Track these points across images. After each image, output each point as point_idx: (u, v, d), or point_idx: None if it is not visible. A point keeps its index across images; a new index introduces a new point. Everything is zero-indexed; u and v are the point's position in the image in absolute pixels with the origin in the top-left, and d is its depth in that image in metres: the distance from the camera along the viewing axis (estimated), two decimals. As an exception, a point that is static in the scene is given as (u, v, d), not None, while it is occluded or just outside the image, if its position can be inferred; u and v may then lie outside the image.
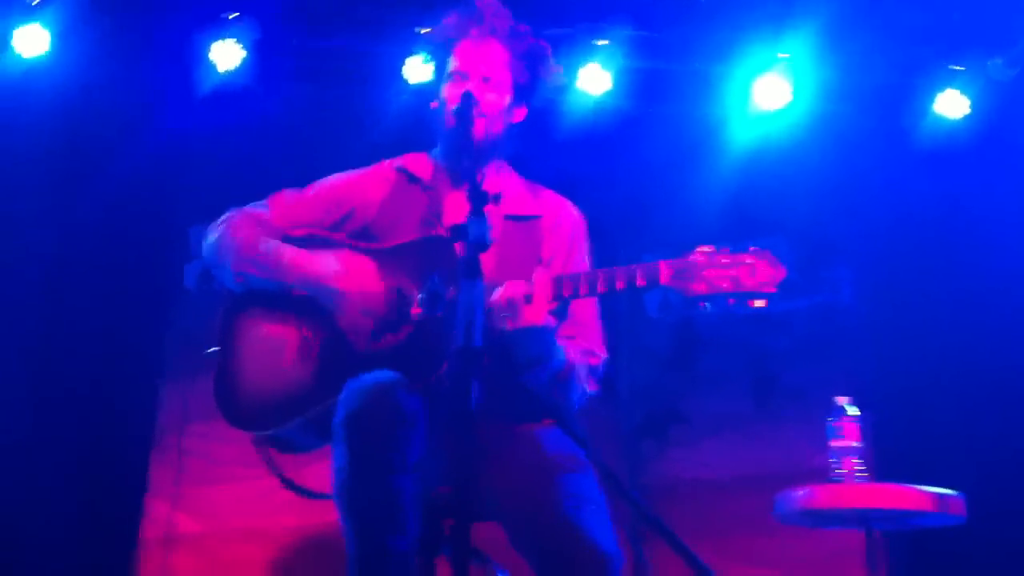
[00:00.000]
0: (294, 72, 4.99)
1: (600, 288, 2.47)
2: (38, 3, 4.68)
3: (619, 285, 2.45)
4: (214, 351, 2.78)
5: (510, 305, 2.43)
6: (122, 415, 4.70)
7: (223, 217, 2.88)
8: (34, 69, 4.78)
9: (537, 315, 2.43)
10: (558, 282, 2.49)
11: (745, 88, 4.98)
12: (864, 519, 3.59)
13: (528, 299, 2.44)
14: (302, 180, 2.97)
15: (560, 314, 2.57)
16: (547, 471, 2.49)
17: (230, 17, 4.77)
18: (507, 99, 2.79)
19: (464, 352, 2.06)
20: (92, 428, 4.64)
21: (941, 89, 5.01)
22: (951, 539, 3.92)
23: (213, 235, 2.84)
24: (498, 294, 2.45)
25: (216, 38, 4.79)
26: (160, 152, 4.90)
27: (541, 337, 2.50)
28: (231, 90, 4.93)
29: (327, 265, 2.65)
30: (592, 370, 2.72)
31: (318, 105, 5.05)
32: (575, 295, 2.50)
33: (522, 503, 2.47)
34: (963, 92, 4.99)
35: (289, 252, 2.71)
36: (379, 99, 4.92)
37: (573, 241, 2.86)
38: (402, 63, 4.84)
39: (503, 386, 2.57)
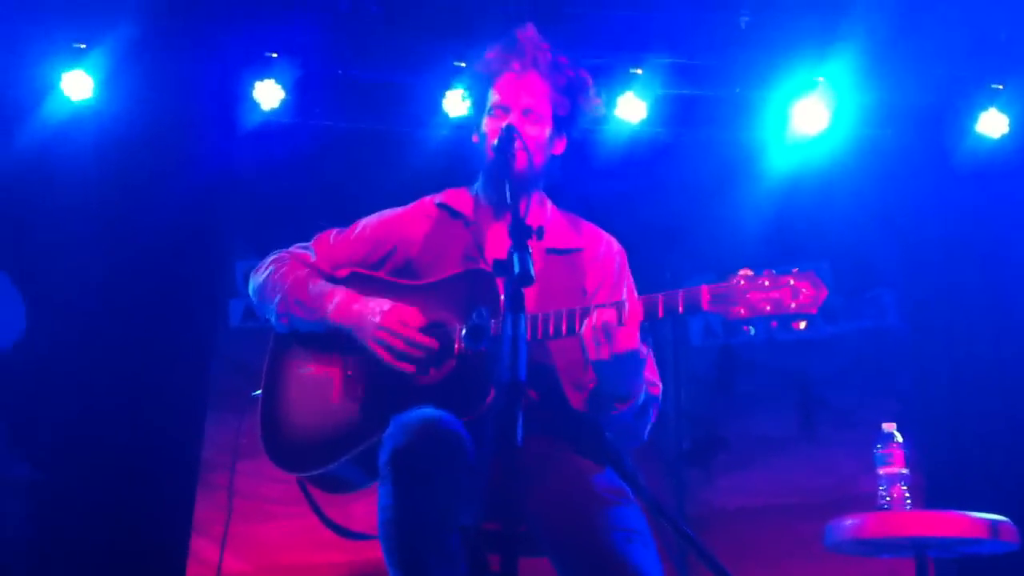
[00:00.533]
0: (335, 108, 5.06)
1: (660, 312, 2.44)
2: (85, 48, 4.78)
3: (661, 312, 2.44)
4: (258, 394, 2.80)
5: (604, 330, 2.41)
6: (167, 452, 4.74)
7: (269, 258, 2.90)
8: (81, 112, 4.89)
9: (631, 339, 2.41)
10: (641, 304, 2.45)
11: (784, 112, 4.98)
12: (916, 547, 3.54)
13: (620, 322, 2.41)
14: (345, 214, 2.99)
15: (646, 339, 2.54)
16: (596, 505, 2.48)
17: (271, 56, 4.84)
18: (548, 132, 2.79)
19: (510, 386, 2.06)
20: (137, 464, 4.69)
21: (984, 108, 4.97)
22: (1002, 565, 3.85)
23: (260, 276, 2.87)
24: (589, 322, 2.43)
25: (259, 77, 4.86)
26: (206, 189, 4.99)
27: (636, 364, 2.47)
28: (275, 127, 5.01)
29: (372, 305, 2.67)
30: (654, 400, 2.70)
31: (359, 140, 5.12)
32: (651, 318, 2.44)
33: (571, 537, 2.45)
34: (1002, 110, 4.96)
35: (337, 294, 2.73)
36: (420, 133, 4.97)
37: (619, 273, 2.86)
38: (442, 96, 4.89)
39: (558, 419, 2.57)
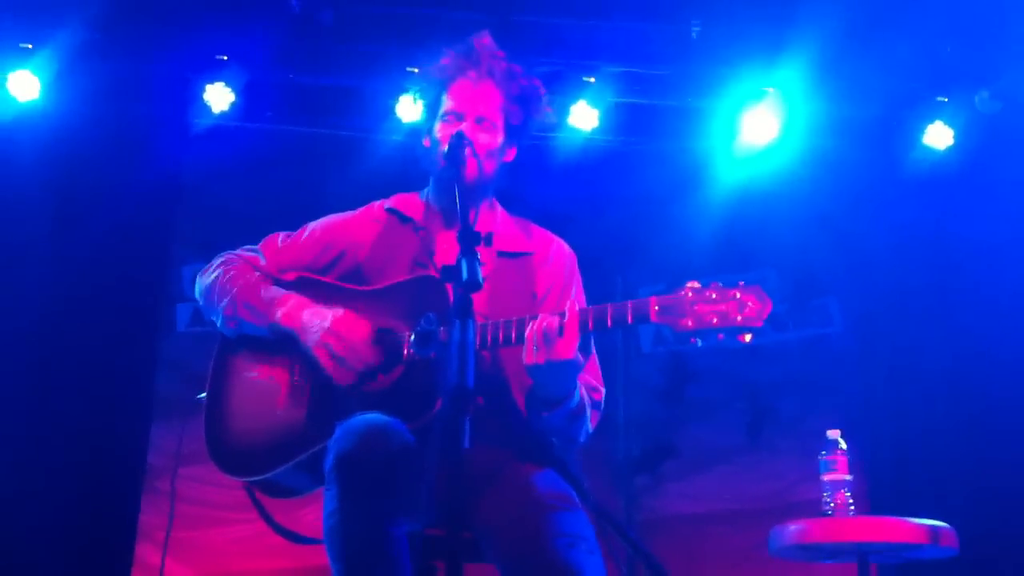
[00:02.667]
0: (286, 111, 5.03)
1: (590, 325, 2.47)
2: (31, 48, 4.72)
3: (609, 322, 2.46)
4: (203, 397, 2.78)
5: (545, 337, 2.43)
6: (113, 457, 4.68)
7: (217, 261, 2.87)
8: (27, 113, 4.82)
9: (568, 348, 2.43)
10: (584, 315, 2.48)
11: (734, 122, 5.04)
12: (858, 552, 3.59)
13: (561, 332, 2.44)
14: (294, 219, 2.98)
15: (584, 349, 2.56)
16: (539, 510, 2.48)
17: (221, 60, 4.81)
18: (499, 140, 2.80)
19: (457, 392, 2.06)
20: (82, 470, 4.62)
21: (930, 121, 5.06)
22: (943, 571, 3.92)
23: (208, 277, 2.84)
24: (532, 327, 2.46)
25: (209, 80, 4.82)
26: (154, 192, 4.94)
27: (571, 371, 2.50)
28: (224, 131, 4.97)
29: (324, 312, 2.65)
30: (595, 405, 2.73)
31: (310, 144, 5.09)
32: (600, 328, 2.48)
33: (515, 543, 2.46)
34: (947, 123, 5.06)
35: (289, 300, 2.71)
36: (371, 138, 4.96)
37: (568, 277, 2.88)
38: (394, 102, 4.88)
39: (505, 425, 2.58)
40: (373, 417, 2.42)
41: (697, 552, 4.69)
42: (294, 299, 2.71)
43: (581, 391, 2.64)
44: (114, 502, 4.65)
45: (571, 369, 2.48)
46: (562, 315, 2.45)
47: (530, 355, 2.44)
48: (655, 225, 5.18)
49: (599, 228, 5.12)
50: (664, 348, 5.26)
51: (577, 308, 2.46)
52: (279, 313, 2.68)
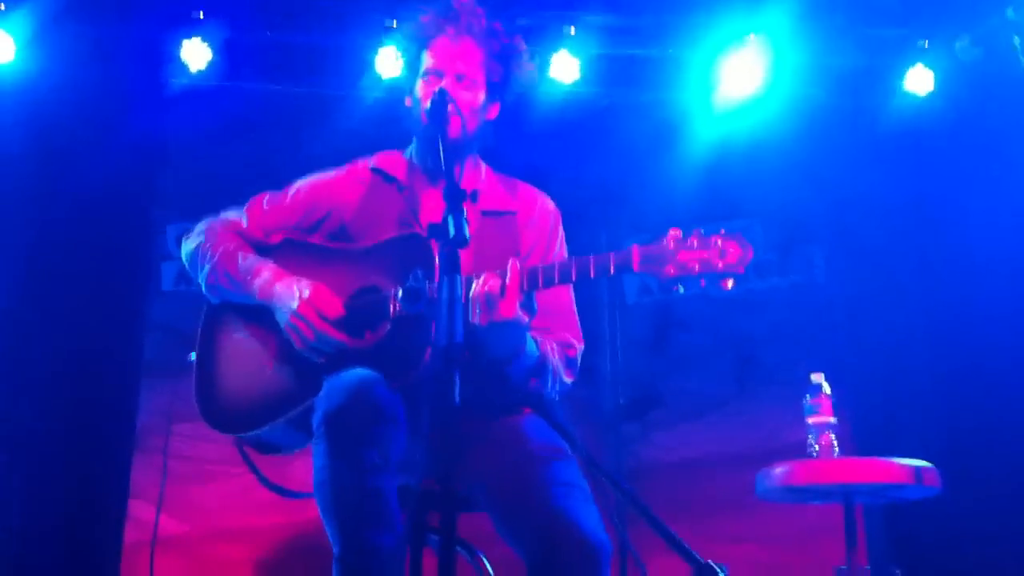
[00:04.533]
0: (265, 69, 4.98)
1: (573, 276, 2.50)
2: (4, 9, 4.65)
3: (592, 272, 2.49)
4: (193, 358, 2.80)
5: (487, 299, 2.46)
6: (103, 417, 4.68)
7: (201, 225, 2.89)
8: (2, 74, 4.76)
9: (509, 309, 2.46)
10: (532, 272, 2.52)
11: (716, 72, 5.02)
12: (842, 493, 3.66)
13: (502, 292, 2.47)
14: (276, 176, 2.98)
15: (528, 308, 2.59)
16: (533, 460, 2.53)
17: (197, 17, 4.75)
18: (481, 97, 2.81)
19: (447, 347, 2.08)
20: (72, 432, 4.63)
21: (911, 65, 5.05)
22: (925, 508, 4.00)
23: (191, 243, 2.86)
24: (476, 289, 2.48)
25: (185, 37, 4.77)
26: (134, 152, 4.89)
27: (514, 331, 2.53)
28: (203, 88, 4.92)
29: (293, 289, 2.65)
30: (569, 361, 2.76)
31: (290, 102, 5.05)
32: (549, 284, 2.53)
33: (510, 492, 2.51)
34: (928, 66, 5.05)
35: (264, 271, 2.72)
36: (351, 94, 4.93)
37: (551, 234, 2.90)
38: (373, 56, 4.85)
39: (484, 379, 2.60)
40: (359, 372, 2.46)
41: (685, 497, 4.75)
42: (267, 270, 2.72)
43: (545, 348, 2.67)
44: (105, 460, 4.66)
45: (513, 328, 2.51)
46: (503, 274, 2.47)
47: (472, 315, 2.47)
48: (639, 177, 5.19)
49: (582, 181, 5.13)
50: (649, 298, 5.30)
51: (518, 268, 2.49)
52: (254, 286, 2.71)
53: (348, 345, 2.59)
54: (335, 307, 2.62)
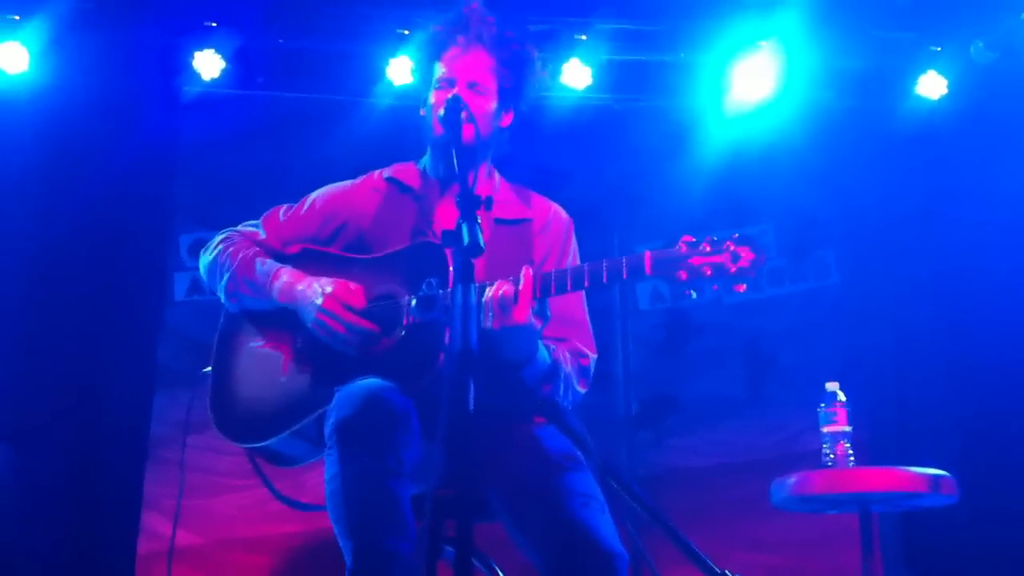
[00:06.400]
0: (277, 77, 4.99)
1: (586, 281, 2.50)
2: (19, 20, 4.68)
3: (605, 278, 2.49)
4: (208, 370, 2.81)
5: (500, 304, 2.46)
6: (116, 428, 4.69)
7: (217, 237, 2.91)
8: (17, 85, 4.79)
9: (522, 314, 2.46)
10: (545, 278, 2.52)
11: (728, 76, 5.02)
12: (858, 502, 3.64)
13: (516, 298, 2.46)
14: (289, 184, 3.00)
15: (541, 314, 2.59)
16: (550, 470, 2.52)
17: (210, 26, 4.77)
18: (494, 104, 2.82)
19: (461, 354, 2.08)
20: (85, 443, 4.64)
21: (923, 70, 5.04)
22: (941, 515, 3.98)
23: (209, 255, 2.88)
24: (489, 294, 2.48)
25: (198, 47, 4.79)
26: (147, 162, 4.91)
27: (526, 336, 2.53)
28: (216, 98, 4.94)
29: (315, 287, 2.67)
30: (582, 370, 2.75)
31: (302, 109, 5.06)
32: (562, 290, 2.52)
33: (526, 501, 2.50)
34: (941, 73, 5.04)
35: (283, 274, 2.74)
36: (364, 102, 4.94)
37: (565, 243, 2.90)
38: (386, 64, 4.85)
39: (497, 385, 2.59)
40: (371, 381, 2.46)
41: (701, 505, 4.73)
42: (286, 273, 2.74)
43: (558, 355, 2.67)
44: (118, 471, 4.67)
45: (526, 333, 2.51)
46: (516, 281, 2.47)
47: (486, 320, 2.47)
48: (651, 183, 5.18)
49: (595, 187, 5.13)
50: (661, 305, 5.28)
51: (532, 274, 2.49)
52: (274, 289, 2.72)
53: (377, 333, 2.59)
54: (359, 299, 2.64)
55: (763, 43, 4.92)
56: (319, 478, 2.46)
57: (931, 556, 4.61)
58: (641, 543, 2.61)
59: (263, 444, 2.69)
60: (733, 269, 2.40)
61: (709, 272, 2.41)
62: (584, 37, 4.91)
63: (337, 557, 2.42)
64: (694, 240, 2.45)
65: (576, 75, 4.94)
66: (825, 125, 5.11)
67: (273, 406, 2.68)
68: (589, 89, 5.02)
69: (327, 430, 2.43)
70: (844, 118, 5.14)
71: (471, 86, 2.77)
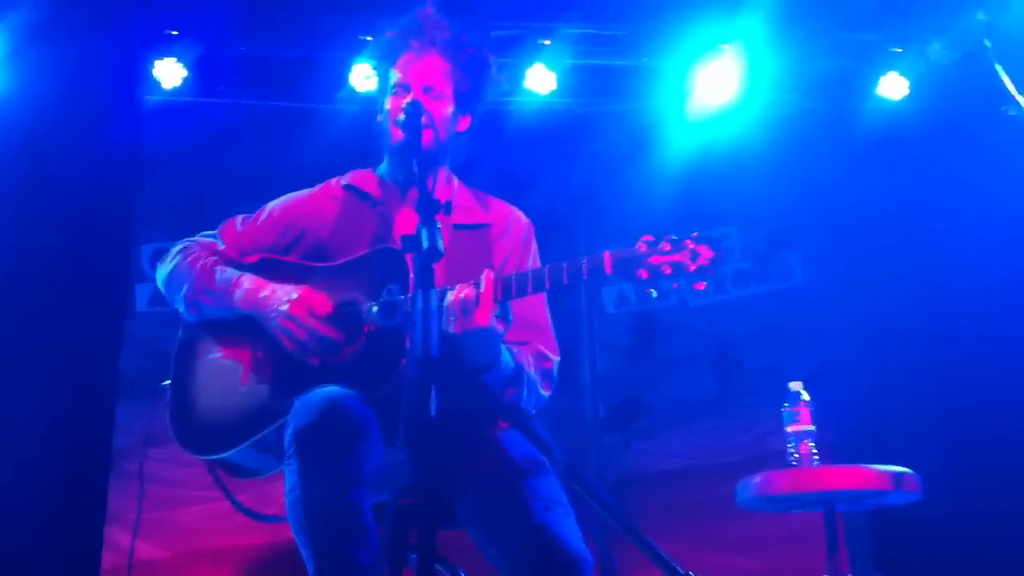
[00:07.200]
0: (239, 85, 4.97)
1: (547, 283, 2.50)
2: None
3: (566, 278, 2.49)
4: (168, 383, 2.78)
5: (462, 307, 2.45)
6: (78, 441, 4.63)
7: (175, 248, 2.88)
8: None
9: (483, 317, 2.46)
10: (506, 281, 2.51)
11: (691, 80, 5.03)
12: (822, 501, 3.66)
13: (477, 301, 2.46)
14: (251, 192, 2.97)
15: (504, 317, 2.59)
16: (514, 476, 2.52)
17: (171, 34, 4.74)
18: (450, 109, 2.81)
19: (422, 360, 2.07)
20: (46, 456, 4.57)
21: (884, 72, 5.09)
22: (908, 514, 4.00)
23: (167, 266, 2.85)
24: (450, 297, 2.48)
25: (159, 56, 4.76)
26: (108, 171, 4.87)
27: (488, 340, 2.52)
28: (177, 106, 4.90)
29: (280, 293, 2.65)
30: (546, 374, 2.75)
31: (264, 117, 5.04)
32: (523, 292, 2.52)
33: (490, 508, 2.49)
34: (902, 74, 5.08)
35: (244, 281, 2.72)
36: (327, 109, 4.92)
37: (525, 246, 2.89)
38: (349, 71, 4.84)
39: (460, 390, 2.59)
40: (330, 390, 2.44)
41: (670, 508, 4.74)
42: (248, 280, 2.71)
43: (521, 359, 2.67)
44: (81, 484, 4.61)
45: (488, 337, 2.51)
46: (477, 284, 2.47)
47: (447, 324, 2.46)
48: (617, 187, 5.19)
49: (560, 192, 5.13)
50: (627, 309, 5.29)
51: (493, 276, 2.49)
52: (237, 295, 2.70)
53: (341, 342, 2.57)
54: (325, 305, 2.62)
55: (725, 47, 4.95)
56: (284, 489, 2.44)
57: (898, 554, 4.63)
58: (608, 547, 2.62)
59: (223, 456, 2.66)
60: (692, 267, 2.41)
61: (669, 271, 2.42)
62: (548, 42, 4.91)
63: (304, 568, 2.40)
64: (653, 239, 2.45)
65: (540, 80, 4.95)
66: (788, 127, 5.15)
67: (233, 417, 2.65)
68: (553, 94, 5.03)
69: (286, 439, 2.41)
70: (807, 120, 5.18)
71: (427, 90, 2.76)
